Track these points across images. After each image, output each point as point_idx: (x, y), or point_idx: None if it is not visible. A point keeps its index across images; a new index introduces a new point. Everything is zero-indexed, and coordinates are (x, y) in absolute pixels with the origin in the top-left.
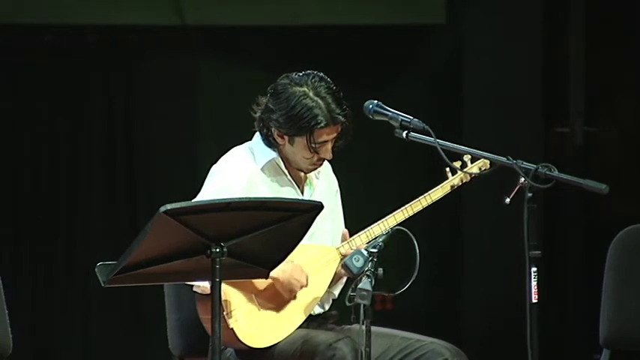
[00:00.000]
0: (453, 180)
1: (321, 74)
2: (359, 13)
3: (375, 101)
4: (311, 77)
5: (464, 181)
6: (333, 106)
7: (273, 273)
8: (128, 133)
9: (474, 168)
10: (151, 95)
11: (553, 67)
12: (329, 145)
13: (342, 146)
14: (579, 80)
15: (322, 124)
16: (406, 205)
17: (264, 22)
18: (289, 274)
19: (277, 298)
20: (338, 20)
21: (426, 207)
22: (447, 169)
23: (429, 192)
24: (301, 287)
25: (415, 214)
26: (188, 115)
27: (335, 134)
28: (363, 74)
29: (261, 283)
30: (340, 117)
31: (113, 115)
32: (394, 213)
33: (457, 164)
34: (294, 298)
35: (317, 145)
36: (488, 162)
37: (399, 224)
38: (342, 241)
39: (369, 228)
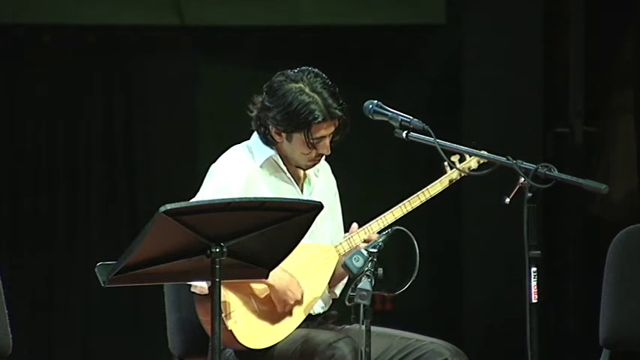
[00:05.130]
0: (452, 174)
1: (316, 70)
2: (359, 13)
3: (375, 101)
4: (306, 73)
5: (462, 175)
6: (329, 100)
7: (270, 279)
8: (128, 133)
9: (472, 162)
10: (151, 95)
11: (553, 67)
12: (327, 141)
13: (340, 141)
14: (579, 80)
15: (319, 119)
16: (404, 201)
17: (264, 22)
18: (286, 284)
19: (275, 302)
20: (338, 20)
21: (425, 202)
22: (445, 163)
23: (427, 187)
24: (295, 302)
25: (415, 213)
26: (188, 115)
27: (332, 129)
28: (363, 74)
29: (259, 285)
30: (337, 111)
31: (113, 115)
32: (393, 209)
33: (455, 158)
34: (289, 312)
35: (315, 141)
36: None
37: (397, 220)
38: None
39: (367, 225)
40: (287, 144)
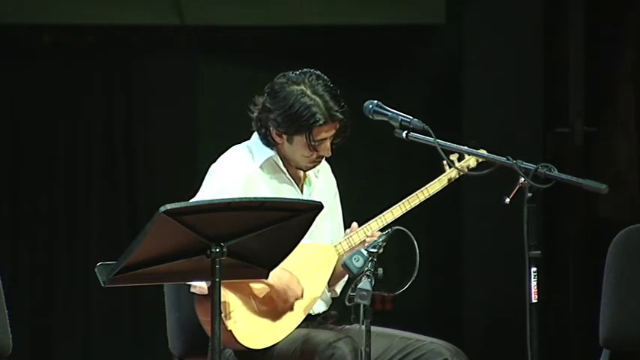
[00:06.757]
0: (450, 173)
1: (318, 72)
2: (359, 13)
3: (375, 101)
4: (308, 75)
5: (461, 173)
6: (331, 103)
7: (270, 279)
8: (128, 133)
9: (471, 160)
10: (150, 95)
11: (553, 67)
12: (328, 143)
13: (341, 143)
14: (579, 80)
15: (321, 122)
16: (404, 200)
17: (264, 22)
18: (286, 283)
19: (275, 300)
20: (338, 20)
21: (424, 201)
22: (444, 162)
23: (426, 186)
24: (296, 299)
25: (415, 212)
26: (188, 115)
27: (333, 131)
28: (363, 74)
29: (258, 285)
30: (338, 114)
31: (113, 115)
32: (392, 208)
33: (454, 157)
34: (290, 309)
35: (316, 143)
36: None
37: (397, 219)
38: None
39: (367, 224)
40: (288, 145)
